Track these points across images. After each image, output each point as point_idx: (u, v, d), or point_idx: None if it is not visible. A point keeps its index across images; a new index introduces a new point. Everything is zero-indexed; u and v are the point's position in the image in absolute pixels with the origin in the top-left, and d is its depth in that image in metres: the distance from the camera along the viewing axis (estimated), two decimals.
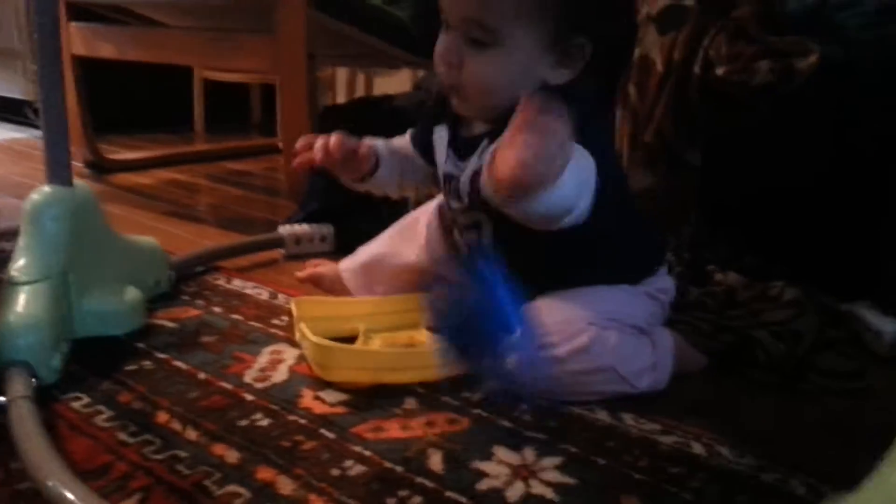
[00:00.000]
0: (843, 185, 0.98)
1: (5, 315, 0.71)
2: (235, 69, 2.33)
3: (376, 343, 0.82)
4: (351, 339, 0.82)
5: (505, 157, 0.56)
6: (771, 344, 0.83)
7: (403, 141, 0.89)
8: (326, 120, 1.41)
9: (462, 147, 0.77)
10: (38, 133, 2.39)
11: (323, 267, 1.01)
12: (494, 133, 0.71)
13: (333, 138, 0.81)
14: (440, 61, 0.71)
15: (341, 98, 2.57)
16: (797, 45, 0.98)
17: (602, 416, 0.70)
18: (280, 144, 2.28)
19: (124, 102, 2.30)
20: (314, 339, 0.73)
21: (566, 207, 0.64)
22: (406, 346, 0.82)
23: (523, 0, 0.66)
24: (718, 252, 1.06)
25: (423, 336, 0.84)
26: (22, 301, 0.72)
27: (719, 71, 1.01)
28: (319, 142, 0.81)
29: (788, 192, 1.02)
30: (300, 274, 1.02)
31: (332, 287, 0.98)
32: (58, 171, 0.81)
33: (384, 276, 0.94)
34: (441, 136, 0.81)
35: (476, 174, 0.74)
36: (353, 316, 0.86)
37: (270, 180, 1.93)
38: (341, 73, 2.59)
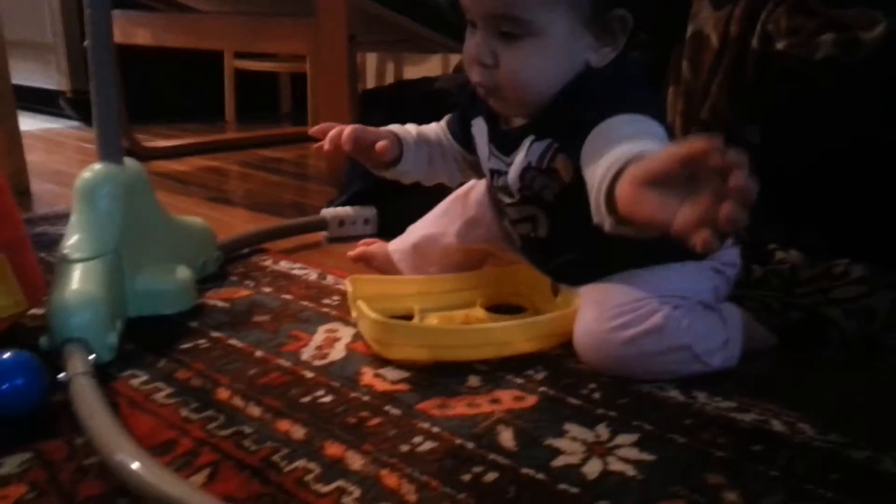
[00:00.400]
0: None
1: (60, 292, 0.70)
2: (272, 52, 2.32)
3: (433, 321, 0.80)
4: (406, 318, 0.80)
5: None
6: (843, 321, 0.80)
7: (436, 128, 0.86)
8: (366, 104, 1.39)
9: (503, 142, 0.74)
10: (72, 123, 2.40)
11: (374, 246, 0.99)
12: (537, 126, 0.70)
13: (347, 130, 0.74)
14: (472, 63, 0.68)
15: (371, 83, 2.56)
16: (862, 17, 0.95)
17: (674, 393, 0.67)
18: (310, 132, 2.29)
19: (157, 92, 2.31)
20: (373, 315, 0.72)
21: None
22: (463, 324, 0.80)
23: None
24: (778, 229, 1.03)
25: (480, 314, 0.82)
26: (76, 278, 0.71)
27: (779, 45, 0.98)
28: (332, 132, 0.76)
29: (852, 168, 0.98)
30: (352, 253, 1.00)
31: (383, 267, 0.96)
32: (109, 150, 0.79)
33: (435, 256, 0.92)
34: (479, 128, 0.78)
35: (525, 170, 0.71)
36: (408, 294, 0.85)
37: (302, 167, 1.92)
38: (370, 60, 2.58)
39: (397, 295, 0.84)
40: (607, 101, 0.64)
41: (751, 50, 1.02)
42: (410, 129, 0.83)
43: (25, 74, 2.27)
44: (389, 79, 2.54)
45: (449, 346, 0.73)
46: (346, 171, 1.30)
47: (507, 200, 0.77)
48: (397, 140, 0.80)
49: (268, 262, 1.02)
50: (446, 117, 0.86)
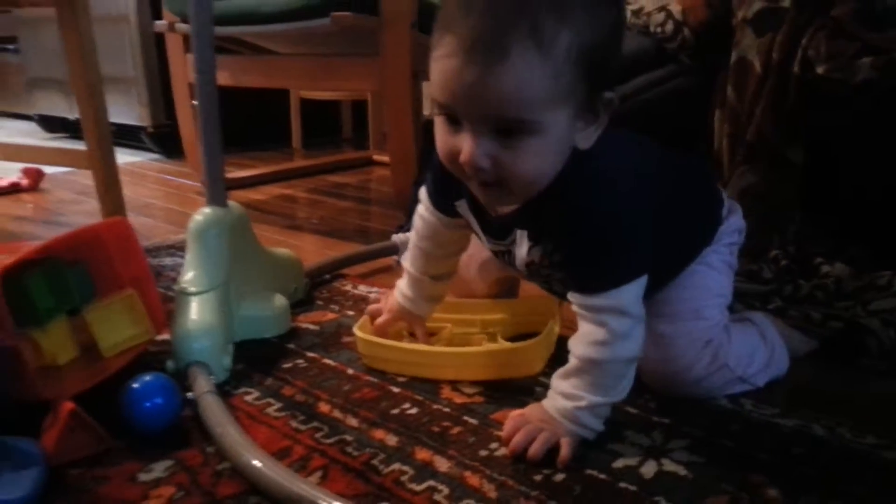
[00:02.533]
0: None
1: (182, 322, 0.82)
2: (342, 90, 2.45)
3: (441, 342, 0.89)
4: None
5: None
6: (882, 332, 0.85)
7: (421, 223, 0.85)
8: (430, 132, 1.49)
9: (496, 230, 0.75)
10: (153, 156, 2.57)
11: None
12: (526, 219, 0.70)
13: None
14: (467, 167, 0.61)
15: (427, 109, 2.66)
16: None
17: (723, 402, 0.75)
18: (374, 157, 2.41)
19: (229, 122, 2.46)
20: (360, 333, 0.85)
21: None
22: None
23: (560, 80, 0.58)
24: (823, 245, 1.08)
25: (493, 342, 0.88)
26: (195, 309, 0.83)
27: (819, 69, 1.04)
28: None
29: (892, 184, 1.03)
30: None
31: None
32: (215, 195, 0.91)
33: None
34: (465, 211, 0.77)
35: (529, 265, 0.73)
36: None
37: (365, 191, 2.04)
38: (426, 85, 2.68)
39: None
40: (593, 202, 0.66)
41: (792, 75, 1.08)
42: (410, 278, 0.87)
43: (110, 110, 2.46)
44: None
45: (413, 364, 0.83)
46: (412, 199, 1.40)
47: (516, 273, 0.79)
48: (400, 309, 0.88)
49: (348, 287, 1.13)
50: (422, 195, 0.84)
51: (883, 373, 0.83)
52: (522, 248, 0.73)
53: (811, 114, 1.07)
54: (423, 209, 0.83)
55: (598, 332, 0.65)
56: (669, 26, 1.24)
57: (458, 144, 0.61)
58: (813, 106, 1.07)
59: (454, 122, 0.62)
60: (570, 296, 0.68)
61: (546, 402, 0.68)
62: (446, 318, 0.93)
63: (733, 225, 0.81)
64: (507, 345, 0.84)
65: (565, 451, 0.64)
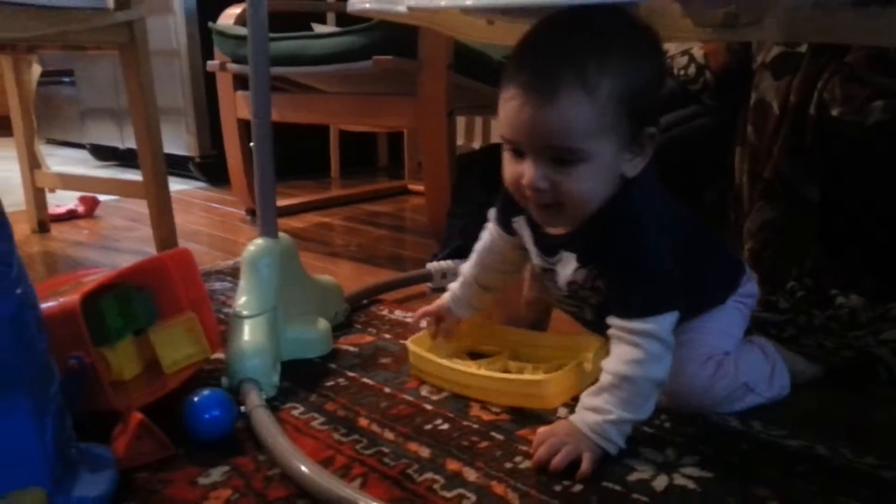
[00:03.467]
0: None
1: (236, 342, 0.90)
2: (380, 127, 2.56)
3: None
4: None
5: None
6: (891, 360, 0.90)
7: (486, 235, 0.94)
8: (461, 167, 1.57)
9: (546, 247, 0.82)
10: (199, 184, 2.69)
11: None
12: (576, 241, 0.78)
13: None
14: (528, 189, 0.72)
15: (460, 140, 2.75)
16: None
17: (734, 423, 0.80)
18: (408, 186, 2.50)
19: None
20: (412, 347, 0.94)
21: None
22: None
23: (603, 116, 0.69)
24: (840, 278, 1.13)
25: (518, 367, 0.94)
26: (247, 331, 0.91)
27: (834, 112, 1.10)
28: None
29: None
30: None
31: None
32: (267, 227, 1.00)
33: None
34: (522, 227, 0.85)
35: (571, 284, 0.80)
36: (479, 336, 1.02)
37: (400, 219, 2.12)
38: (460, 119, 2.78)
39: (470, 335, 1.01)
40: (634, 233, 0.74)
41: (809, 116, 1.14)
42: (456, 283, 0.98)
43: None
44: (478, 134, 2.74)
45: (460, 384, 0.89)
46: (446, 229, 1.48)
47: (555, 292, 0.86)
48: (444, 305, 0.97)
49: (384, 312, 1.21)
50: (492, 213, 0.92)
51: (891, 399, 0.87)
52: (567, 269, 0.80)
53: (826, 154, 1.12)
54: (490, 225, 0.93)
55: (634, 352, 0.72)
56: (692, 69, 1.30)
57: (521, 171, 0.72)
58: (828, 146, 1.12)
59: (518, 154, 0.73)
60: (610, 319, 0.75)
61: (574, 417, 0.75)
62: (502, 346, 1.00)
63: (749, 290, 0.89)
64: (528, 376, 0.89)
65: (586, 465, 0.70)
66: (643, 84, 0.71)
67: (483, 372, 0.90)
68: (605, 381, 0.73)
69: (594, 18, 0.72)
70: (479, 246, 0.95)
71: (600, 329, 0.81)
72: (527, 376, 0.90)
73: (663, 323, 0.72)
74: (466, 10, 0.81)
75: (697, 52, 1.29)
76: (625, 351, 0.73)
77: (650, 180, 0.77)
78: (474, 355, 0.99)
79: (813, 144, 1.13)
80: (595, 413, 0.73)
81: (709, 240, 0.89)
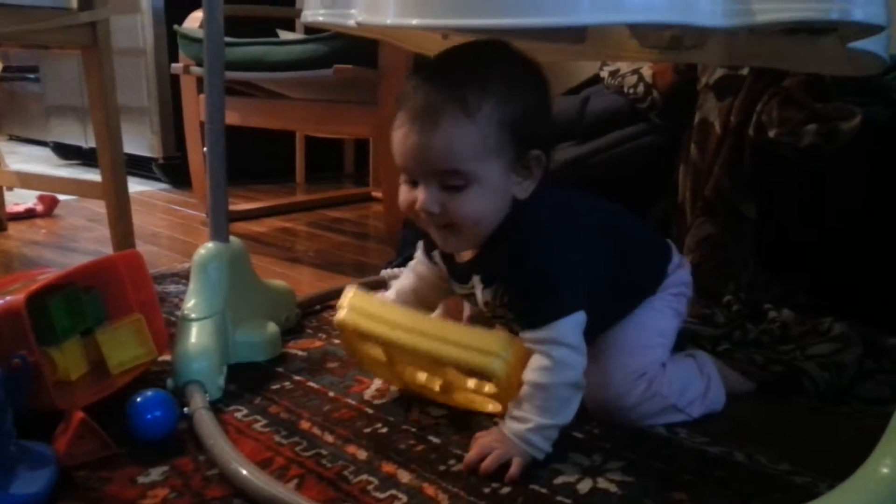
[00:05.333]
0: (886, 229, 1.10)
1: (182, 345, 0.91)
2: (342, 135, 2.57)
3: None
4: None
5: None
6: (817, 374, 0.94)
7: (414, 266, 0.96)
8: None
9: (458, 275, 0.87)
10: (161, 185, 2.67)
11: None
12: (480, 264, 0.82)
13: None
14: (421, 212, 0.75)
15: None
16: (841, 110, 1.11)
17: (660, 431, 0.84)
18: (372, 193, 2.52)
19: (237, 157, 2.57)
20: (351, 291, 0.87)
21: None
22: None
23: (486, 140, 0.72)
24: (774, 292, 1.18)
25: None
26: (194, 333, 0.92)
27: (771, 133, 1.15)
28: None
29: (836, 237, 1.13)
30: None
31: None
32: (218, 231, 1.02)
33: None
34: (438, 259, 0.90)
35: (487, 304, 0.83)
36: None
37: (363, 227, 2.14)
38: None
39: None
40: (532, 247, 0.77)
41: (748, 137, 1.19)
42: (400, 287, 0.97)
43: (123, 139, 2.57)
44: None
45: (394, 327, 0.81)
46: (401, 237, 1.51)
47: (477, 310, 0.89)
48: None
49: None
50: (419, 246, 0.95)
51: (814, 409, 0.92)
52: (478, 291, 0.84)
53: (764, 173, 1.17)
54: (419, 255, 0.95)
55: (542, 360, 0.75)
56: (641, 88, 1.35)
57: (415, 196, 0.76)
58: (765, 166, 1.17)
59: (413, 182, 0.77)
60: (521, 334, 0.78)
61: (503, 425, 0.78)
62: None
63: (680, 278, 0.91)
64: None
65: (514, 469, 0.73)
66: (524, 109, 0.75)
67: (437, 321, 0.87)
68: (523, 391, 0.76)
69: (477, 52, 0.77)
70: (410, 278, 0.97)
71: None
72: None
73: (564, 327, 0.75)
74: (413, 28, 0.84)
75: (646, 71, 1.34)
76: (535, 360, 0.76)
77: (545, 195, 0.79)
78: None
79: (751, 164, 1.18)
80: (517, 422, 0.76)
81: (629, 232, 0.90)
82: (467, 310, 1.02)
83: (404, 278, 0.99)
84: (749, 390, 0.94)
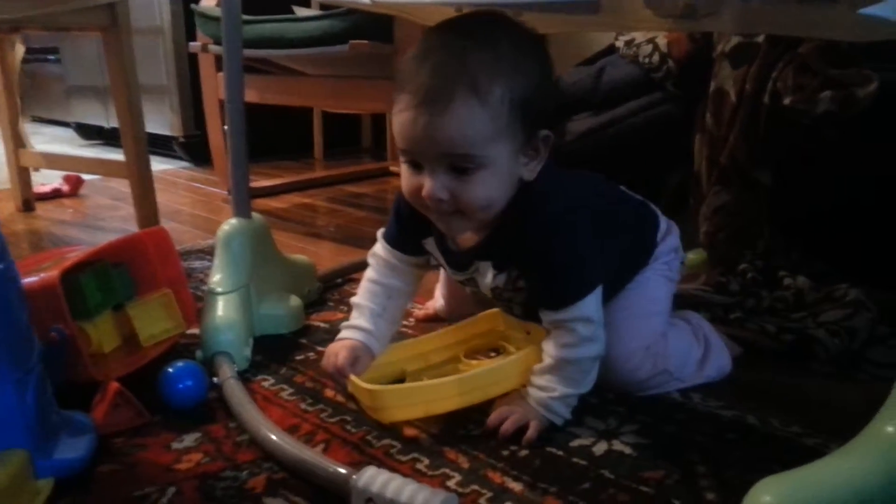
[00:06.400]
0: None
1: (210, 318, 0.94)
2: (359, 110, 2.58)
3: (422, 380, 0.87)
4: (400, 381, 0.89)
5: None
6: (828, 340, 0.96)
7: (379, 269, 0.92)
8: None
9: (457, 262, 0.85)
10: (183, 164, 2.71)
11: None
12: (485, 249, 0.81)
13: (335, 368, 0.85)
14: (428, 200, 0.73)
15: None
16: (857, 76, 1.11)
17: (674, 395, 0.86)
18: (390, 167, 2.53)
19: (256, 134, 2.60)
20: (363, 384, 0.80)
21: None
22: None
23: (497, 121, 0.70)
24: (791, 259, 1.19)
25: (466, 365, 0.90)
26: (221, 307, 0.96)
27: (786, 101, 1.15)
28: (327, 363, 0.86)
29: (852, 203, 1.14)
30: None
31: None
32: (241, 207, 1.05)
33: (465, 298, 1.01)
34: (432, 247, 0.87)
35: (495, 289, 0.84)
36: (398, 360, 0.92)
37: (382, 201, 2.16)
38: None
39: (389, 363, 0.91)
40: (549, 230, 0.76)
41: (763, 105, 1.19)
42: (371, 312, 0.90)
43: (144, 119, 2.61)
44: None
45: (436, 399, 0.79)
46: None
47: (481, 296, 0.89)
48: (362, 346, 0.87)
49: (356, 290, 1.25)
50: (380, 237, 0.93)
51: (826, 375, 0.93)
52: (486, 277, 0.83)
53: (779, 140, 1.18)
54: (381, 250, 0.92)
55: (568, 336, 0.77)
56: (656, 57, 1.35)
57: (420, 182, 0.73)
58: (780, 133, 1.17)
59: (416, 165, 0.74)
60: (541, 313, 0.80)
61: (525, 391, 0.80)
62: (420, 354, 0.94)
63: (669, 245, 0.92)
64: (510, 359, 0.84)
65: (531, 432, 0.76)
66: (533, 88, 0.72)
67: (476, 368, 0.86)
68: (546, 363, 0.79)
69: (480, 28, 0.74)
70: (373, 275, 0.93)
71: (528, 317, 0.86)
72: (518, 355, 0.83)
73: (588, 304, 0.77)
74: (427, 5, 0.85)
75: (661, 41, 1.34)
76: (560, 335, 0.78)
77: (549, 173, 0.78)
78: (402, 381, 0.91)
79: (766, 131, 1.19)
80: (541, 391, 0.78)
81: (621, 203, 0.90)
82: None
83: (368, 293, 0.92)
84: (737, 354, 0.95)
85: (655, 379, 0.86)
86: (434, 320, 1.10)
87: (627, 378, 0.85)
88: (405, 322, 1.09)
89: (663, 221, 0.93)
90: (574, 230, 0.78)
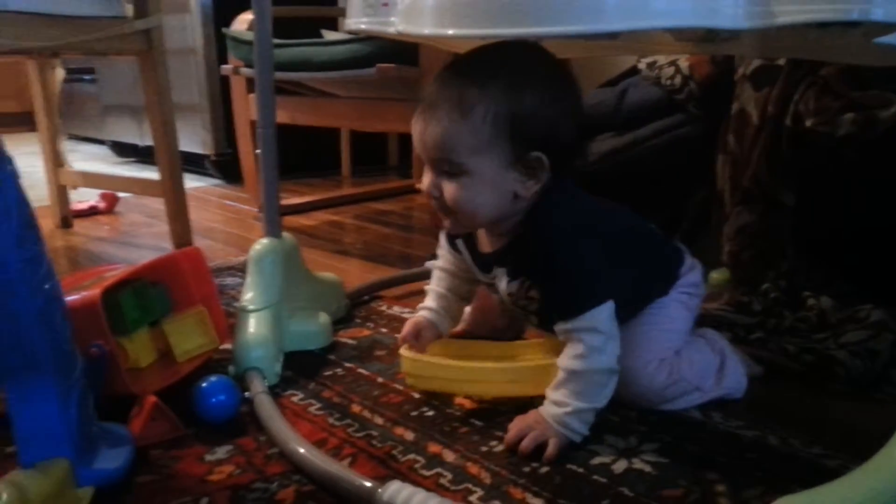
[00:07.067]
0: None
1: (242, 334, 0.98)
2: (386, 130, 2.64)
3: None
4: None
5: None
6: (849, 361, 0.96)
7: (441, 263, 1.02)
8: None
9: (481, 264, 0.92)
10: (215, 181, 2.76)
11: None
12: (502, 257, 0.87)
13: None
14: (427, 194, 0.84)
15: None
16: (879, 98, 1.12)
17: (695, 414, 0.87)
18: (416, 185, 2.57)
19: (286, 153, 2.65)
20: (403, 352, 0.94)
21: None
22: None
23: (478, 136, 0.77)
24: (813, 279, 1.19)
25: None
26: (253, 324, 0.99)
27: (808, 123, 1.16)
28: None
29: (875, 224, 1.14)
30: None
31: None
32: (271, 227, 1.08)
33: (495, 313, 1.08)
34: (462, 247, 0.94)
35: (510, 295, 0.88)
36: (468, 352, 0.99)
37: (408, 219, 2.19)
38: None
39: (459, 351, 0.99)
40: (552, 246, 0.81)
41: (785, 126, 1.20)
42: (432, 300, 1.02)
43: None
44: None
45: (473, 381, 0.90)
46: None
47: (505, 305, 0.94)
48: (425, 322, 0.99)
49: (383, 307, 1.28)
50: (442, 233, 1.00)
51: (848, 396, 0.94)
52: (503, 283, 0.89)
53: (801, 161, 1.19)
54: (441, 242, 1.01)
55: (577, 348, 0.80)
56: (678, 79, 1.37)
57: (424, 181, 0.84)
58: (802, 155, 1.18)
59: (426, 166, 0.84)
60: (555, 326, 0.83)
61: (542, 409, 0.82)
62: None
63: (690, 279, 0.94)
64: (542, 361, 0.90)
65: (551, 449, 0.78)
66: (525, 111, 0.78)
67: (496, 364, 0.93)
68: (559, 377, 0.81)
69: (494, 51, 0.80)
70: (441, 263, 1.02)
71: (547, 328, 0.88)
72: (540, 360, 0.91)
73: (598, 316, 0.80)
74: (449, 38, 0.88)
75: (683, 63, 1.36)
76: (570, 348, 0.81)
77: (566, 194, 0.84)
78: None
79: (788, 153, 1.20)
80: (555, 406, 0.80)
81: (642, 235, 0.94)
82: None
83: (436, 277, 1.03)
84: (758, 374, 0.96)
85: (674, 388, 0.87)
86: (462, 336, 1.12)
87: (645, 389, 0.86)
88: None
89: (688, 258, 0.96)
90: (577, 244, 0.81)
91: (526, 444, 0.78)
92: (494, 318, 1.08)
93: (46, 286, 0.70)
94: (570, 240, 0.81)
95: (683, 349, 0.90)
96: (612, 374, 0.81)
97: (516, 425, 0.81)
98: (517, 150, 0.79)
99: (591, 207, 0.87)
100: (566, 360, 0.80)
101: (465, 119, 0.77)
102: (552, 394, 0.82)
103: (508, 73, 0.79)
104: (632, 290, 0.88)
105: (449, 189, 0.81)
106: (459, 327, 1.13)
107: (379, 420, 0.87)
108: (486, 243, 0.90)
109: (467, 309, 1.13)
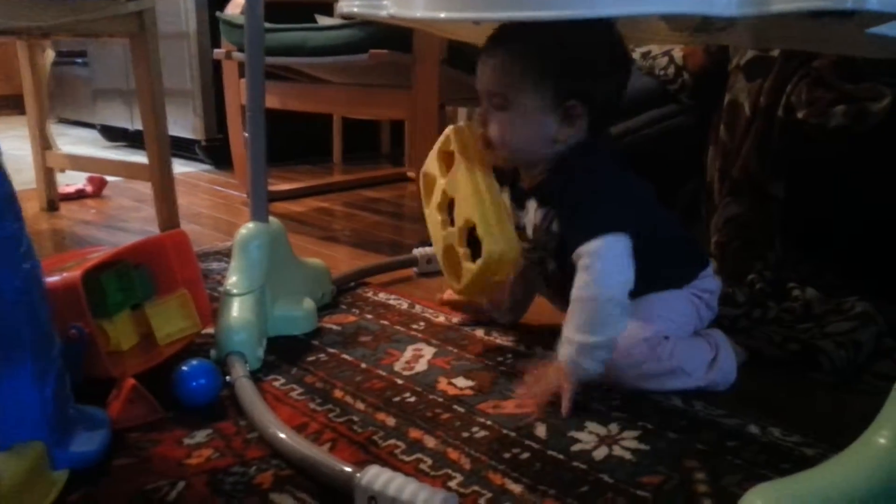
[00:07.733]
0: None
1: (225, 318, 0.97)
2: (378, 117, 2.62)
3: None
4: None
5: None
6: (833, 352, 0.96)
7: None
8: None
9: (518, 198, 0.98)
10: (205, 167, 2.75)
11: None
12: (534, 190, 0.94)
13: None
14: (478, 123, 0.93)
15: None
16: (871, 91, 1.11)
17: (677, 402, 0.87)
18: (408, 173, 2.56)
19: (276, 139, 2.64)
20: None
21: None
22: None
23: (526, 71, 0.86)
24: (801, 271, 1.19)
25: None
26: (236, 308, 0.98)
27: (800, 114, 1.16)
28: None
29: (863, 217, 1.14)
30: (443, 297, 1.16)
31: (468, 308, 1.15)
32: (258, 212, 1.07)
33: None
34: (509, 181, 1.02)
35: (536, 229, 0.94)
36: None
37: (398, 206, 2.18)
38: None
39: None
40: (580, 180, 0.88)
41: (777, 118, 1.20)
42: None
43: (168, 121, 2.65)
44: None
45: None
46: None
47: (526, 247, 0.98)
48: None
49: (369, 294, 1.28)
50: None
51: (830, 386, 0.94)
52: (531, 212, 0.95)
53: (791, 153, 1.18)
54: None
55: (583, 276, 0.83)
56: (671, 70, 1.36)
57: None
58: (793, 146, 1.18)
59: (481, 98, 0.92)
60: (573, 253, 0.85)
61: (557, 351, 0.85)
62: None
63: (706, 284, 0.96)
64: None
65: (564, 402, 0.82)
66: (568, 62, 0.86)
67: None
68: (570, 309, 0.84)
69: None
70: None
71: (565, 287, 0.88)
72: None
73: (605, 243, 0.83)
74: (441, 21, 0.87)
75: (677, 53, 1.35)
76: (578, 277, 0.84)
77: (608, 157, 0.92)
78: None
79: (780, 144, 1.19)
80: (567, 344, 0.84)
81: (672, 228, 0.97)
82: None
83: None
84: (742, 360, 0.96)
85: (652, 366, 0.87)
86: (478, 323, 1.13)
87: (621, 361, 0.86)
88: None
89: (711, 267, 0.98)
90: (595, 177, 0.89)
91: (540, 398, 0.83)
92: (500, 292, 1.08)
93: (26, 265, 0.69)
94: (603, 183, 0.88)
95: (675, 338, 0.89)
96: (619, 305, 0.83)
97: (532, 374, 0.85)
98: (560, 95, 0.86)
99: (633, 180, 0.92)
100: (574, 289, 0.83)
101: (515, 60, 0.86)
102: (564, 331, 0.84)
103: (558, 28, 0.82)
104: (649, 272, 0.86)
105: (493, 121, 0.89)
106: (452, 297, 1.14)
107: (360, 405, 0.87)
108: (525, 179, 0.96)
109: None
